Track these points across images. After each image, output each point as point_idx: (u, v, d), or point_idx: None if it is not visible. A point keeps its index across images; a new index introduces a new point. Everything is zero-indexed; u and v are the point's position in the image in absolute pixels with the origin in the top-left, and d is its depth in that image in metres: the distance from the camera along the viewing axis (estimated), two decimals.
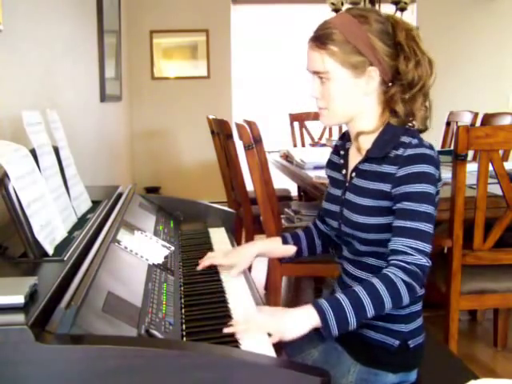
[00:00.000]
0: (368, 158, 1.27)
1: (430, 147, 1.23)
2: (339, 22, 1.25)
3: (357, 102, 1.28)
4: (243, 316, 1.15)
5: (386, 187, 1.22)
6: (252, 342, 1.05)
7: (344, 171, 1.36)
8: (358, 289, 1.14)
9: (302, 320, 1.12)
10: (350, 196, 1.30)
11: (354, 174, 1.31)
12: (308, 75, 1.30)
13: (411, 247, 1.16)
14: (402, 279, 1.14)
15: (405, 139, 1.23)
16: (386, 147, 1.24)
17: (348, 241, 1.33)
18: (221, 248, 1.63)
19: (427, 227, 1.18)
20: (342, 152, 1.39)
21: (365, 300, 1.12)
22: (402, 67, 1.24)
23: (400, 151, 1.21)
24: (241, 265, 1.42)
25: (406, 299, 1.15)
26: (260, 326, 1.10)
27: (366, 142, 1.29)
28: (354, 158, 1.33)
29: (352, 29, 1.23)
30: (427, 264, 1.16)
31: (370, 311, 1.12)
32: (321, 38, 1.25)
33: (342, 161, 1.38)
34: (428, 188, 1.19)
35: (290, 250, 1.49)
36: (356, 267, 1.32)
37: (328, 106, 1.29)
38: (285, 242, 1.49)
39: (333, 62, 1.24)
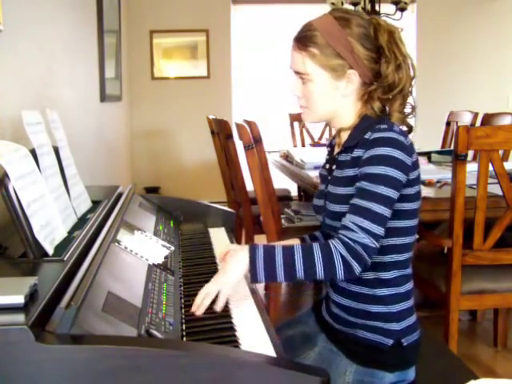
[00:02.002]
0: (345, 149, 1.30)
1: (401, 133, 1.23)
2: (321, 24, 1.27)
3: (336, 103, 1.30)
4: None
5: (356, 171, 1.24)
6: (252, 342, 1.05)
7: (328, 166, 1.39)
8: (296, 248, 1.18)
9: (236, 267, 1.19)
10: (330, 188, 1.32)
11: (334, 167, 1.33)
12: (291, 73, 1.34)
13: (357, 225, 1.17)
14: (341, 253, 1.15)
15: (376, 126, 1.24)
16: (360, 136, 1.26)
17: (332, 235, 1.33)
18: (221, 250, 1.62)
19: (380, 209, 1.17)
20: (328, 149, 1.43)
21: (298, 261, 1.16)
22: (383, 70, 1.25)
23: (367, 135, 1.23)
24: None
25: (340, 273, 1.16)
26: (207, 294, 1.17)
27: (346, 136, 1.32)
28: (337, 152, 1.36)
29: (333, 32, 1.25)
30: (371, 244, 1.16)
31: (300, 273, 1.16)
32: (303, 40, 1.28)
33: (327, 157, 1.42)
34: (389, 171, 1.18)
35: None
36: None
37: (308, 105, 1.32)
38: (304, 242, 1.47)
39: (313, 64, 1.26)
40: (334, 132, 1.42)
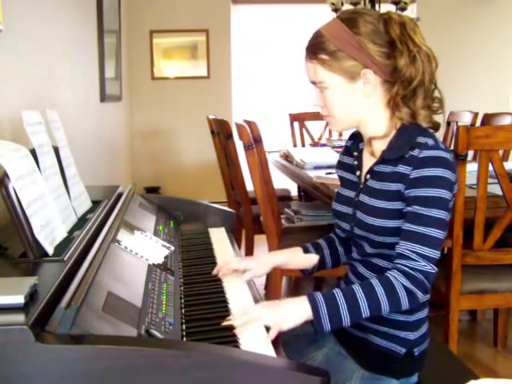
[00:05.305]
0: (383, 160, 1.25)
1: (446, 150, 1.20)
2: (328, 29, 1.24)
3: (359, 106, 1.26)
4: (240, 310, 1.16)
5: (400, 187, 1.20)
6: (252, 342, 1.05)
7: (358, 173, 1.33)
8: (356, 288, 1.14)
9: (296, 312, 1.13)
10: (364, 198, 1.28)
11: (368, 176, 1.29)
12: (310, 85, 1.30)
13: (416, 252, 1.15)
14: (403, 284, 1.14)
15: (421, 140, 1.20)
16: (403, 148, 1.21)
17: (359, 243, 1.32)
18: (221, 249, 1.63)
19: (436, 233, 1.16)
20: (355, 153, 1.36)
21: (361, 301, 1.13)
22: (398, 64, 1.21)
23: (415, 152, 1.19)
24: (255, 270, 1.37)
25: (405, 304, 1.15)
26: (257, 318, 1.10)
27: (380, 145, 1.27)
28: (368, 160, 1.31)
29: (341, 35, 1.21)
30: (432, 271, 1.16)
31: (365, 312, 1.13)
32: (312, 49, 1.25)
33: (355, 162, 1.35)
34: (441, 192, 1.16)
35: (312, 259, 1.43)
36: (365, 267, 1.31)
37: (331, 113, 1.28)
38: (306, 251, 1.44)
39: (325, 70, 1.23)
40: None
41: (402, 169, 1.20)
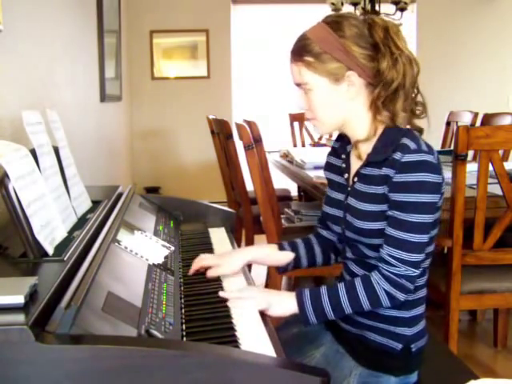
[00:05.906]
0: (369, 163, 1.26)
1: (429, 151, 1.19)
2: (314, 32, 1.25)
3: (342, 108, 1.27)
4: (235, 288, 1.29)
5: (385, 190, 1.21)
6: (252, 342, 1.05)
7: (346, 175, 1.34)
8: (340, 287, 1.23)
9: (285, 304, 1.25)
10: (352, 201, 1.28)
11: (356, 179, 1.29)
12: (294, 87, 1.32)
13: (395, 257, 1.19)
14: (383, 288, 1.20)
15: (404, 141, 1.20)
16: (387, 151, 1.21)
17: (353, 244, 1.32)
18: (221, 249, 1.63)
19: (415, 238, 1.18)
20: (343, 156, 1.37)
21: (343, 300, 1.22)
22: (381, 66, 1.22)
23: (398, 155, 1.18)
24: (224, 268, 1.38)
25: (385, 304, 1.22)
26: (251, 296, 1.23)
27: (366, 148, 1.28)
28: (356, 162, 1.31)
29: (325, 37, 1.23)
30: (413, 274, 1.20)
31: (348, 309, 1.23)
32: (297, 51, 1.27)
33: (344, 165, 1.36)
34: (423, 197, 1.17)
35: (287, 256, 1.43)
36: (360, 267, 1.31)
37: (315, 115, 1.29)
38: (281, 248, 1.44)
39: (310, 72, 1.24)
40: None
41: (385, 171, 1.21)
